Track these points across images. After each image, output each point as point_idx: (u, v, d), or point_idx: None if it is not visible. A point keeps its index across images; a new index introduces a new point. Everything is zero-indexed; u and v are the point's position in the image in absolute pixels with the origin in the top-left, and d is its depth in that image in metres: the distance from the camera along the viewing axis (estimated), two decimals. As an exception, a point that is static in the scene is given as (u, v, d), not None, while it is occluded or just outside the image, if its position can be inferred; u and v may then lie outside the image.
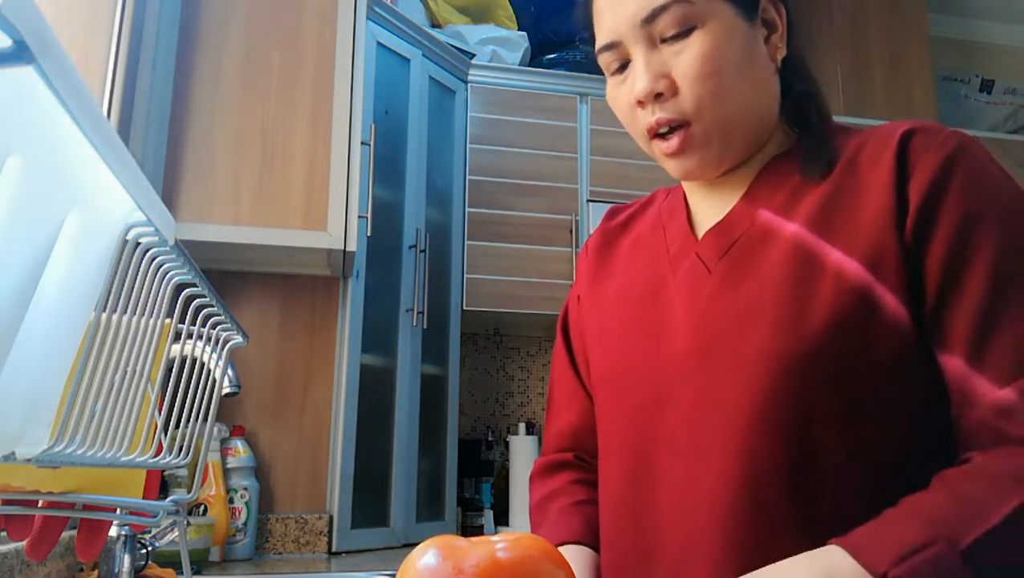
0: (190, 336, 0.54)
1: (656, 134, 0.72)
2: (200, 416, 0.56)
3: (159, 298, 0.47)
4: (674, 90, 0.70)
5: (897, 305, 0.63)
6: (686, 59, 0.69)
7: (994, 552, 0.54)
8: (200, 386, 0.56)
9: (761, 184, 0.75)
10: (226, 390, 1.22)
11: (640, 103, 0.72)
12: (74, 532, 0.63)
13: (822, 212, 0.69)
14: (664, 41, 0.70)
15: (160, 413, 0.53)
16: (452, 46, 2.32)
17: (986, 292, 0.61)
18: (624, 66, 0.74)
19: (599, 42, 0.75)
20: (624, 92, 0.74)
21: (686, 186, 0.82)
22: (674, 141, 0.71)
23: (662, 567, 0.69)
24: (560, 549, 0.75)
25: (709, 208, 0.78)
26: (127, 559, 1.29)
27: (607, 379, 0.79)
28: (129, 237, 0.43)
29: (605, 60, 0.75)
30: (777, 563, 0.59)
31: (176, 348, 0.57)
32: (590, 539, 0.80)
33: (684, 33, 0.70)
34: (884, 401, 0.64)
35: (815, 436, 0.63)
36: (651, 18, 0.70)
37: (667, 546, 0.69)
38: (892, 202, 0.65)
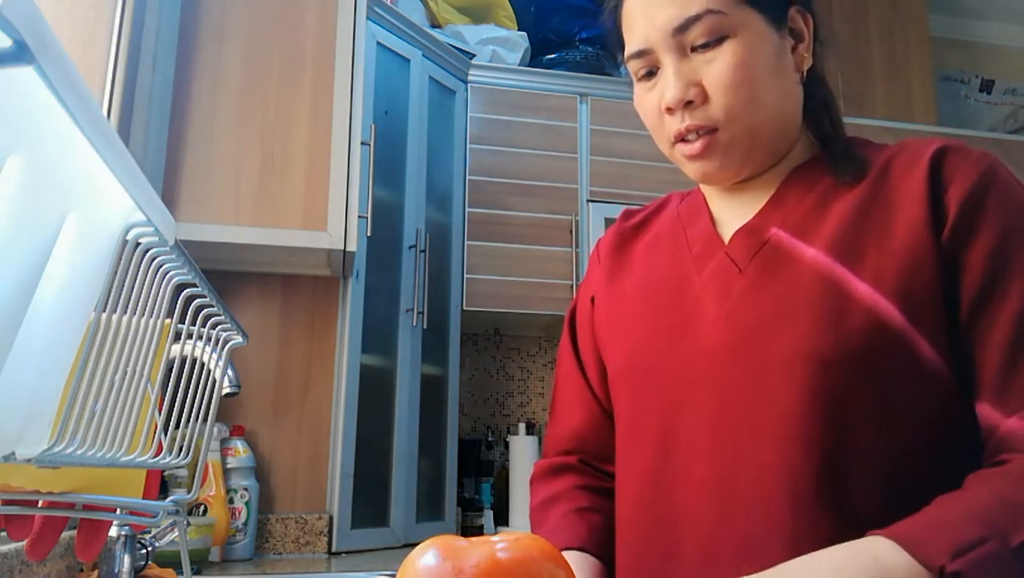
0: (190, 336, 0.54)
1: (682, 139, 0.73)
2: (200, 416, 0.56)
3: (159, 298, 0.47)
4: (704, 98, 0.71)
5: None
6: (718, 68, 0.70)
7: None
8: (200, 386, 0.56)
9: (790, 188, 0.75)
10: (226, 390, 1.22)
11: (669, 110, 0.73)
12: (74, 532, 0.63)
13: (852, 224, 0.69)
14: (695, 50, 0.71)
15: (160, 413, 0.53)
16: (452, 46, 2.32)
17: (1017, 321, 0.62)
18: (652, 73, 0.74)
19: (629, 49, 0.75)
20: (652, 98, 0.75)
21: (706, 190, 0.83)
22: (697, 144, 0.72)
23: (685, 565, 0.69)
24: None
25: (733, 212, 0.78)
26: (127, 559, 1.29)
27: (626, 373, 0.79)
28: (129, 237, 0.43)
29: (634, 66, 0.76)
30: (818, 552, 0.58)
31: (176, 348, 0.57)
32: (592, 546, 0.79)
33: (715, 42, 0.70)
34: (922, 399, 0.64)
35: (853, 432, 0.64)
36: (684, 27, 0.70)
37: (690, 543, 0.69)
38: (928, 212, 0.66)
